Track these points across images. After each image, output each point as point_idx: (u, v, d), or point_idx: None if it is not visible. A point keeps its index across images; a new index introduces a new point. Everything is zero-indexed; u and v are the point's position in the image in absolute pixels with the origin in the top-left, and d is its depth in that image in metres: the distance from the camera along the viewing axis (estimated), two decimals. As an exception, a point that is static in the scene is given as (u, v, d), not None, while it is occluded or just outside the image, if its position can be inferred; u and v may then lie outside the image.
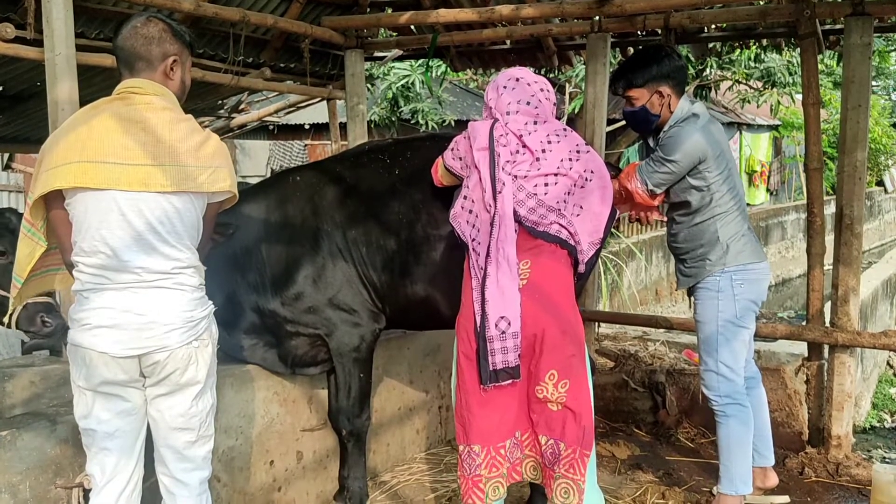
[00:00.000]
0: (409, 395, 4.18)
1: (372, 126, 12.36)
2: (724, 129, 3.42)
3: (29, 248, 2.35)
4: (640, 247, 11.30)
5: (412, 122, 13.51)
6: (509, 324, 2.68)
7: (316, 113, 12.76)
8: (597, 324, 5.06)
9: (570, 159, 2.80)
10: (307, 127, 15.87)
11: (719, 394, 3.30)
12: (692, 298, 3.42)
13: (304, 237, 3.29)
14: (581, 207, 2.82)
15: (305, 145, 16.19)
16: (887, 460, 6.58)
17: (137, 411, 2.32)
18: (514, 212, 2.72)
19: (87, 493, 2.39)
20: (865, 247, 4.99)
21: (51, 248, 2.38)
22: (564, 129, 2.88)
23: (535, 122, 2.82)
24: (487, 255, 2.71)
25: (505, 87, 2.86)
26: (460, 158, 2.90)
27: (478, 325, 2.72)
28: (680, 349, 5.18)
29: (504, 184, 2.71)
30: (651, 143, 3.43)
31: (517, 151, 2.77)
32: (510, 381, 2.73)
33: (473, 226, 2.80)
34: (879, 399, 8.50)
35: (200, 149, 2.28)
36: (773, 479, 3.55)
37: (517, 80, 2.88)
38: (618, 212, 3.13)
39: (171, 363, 2.27)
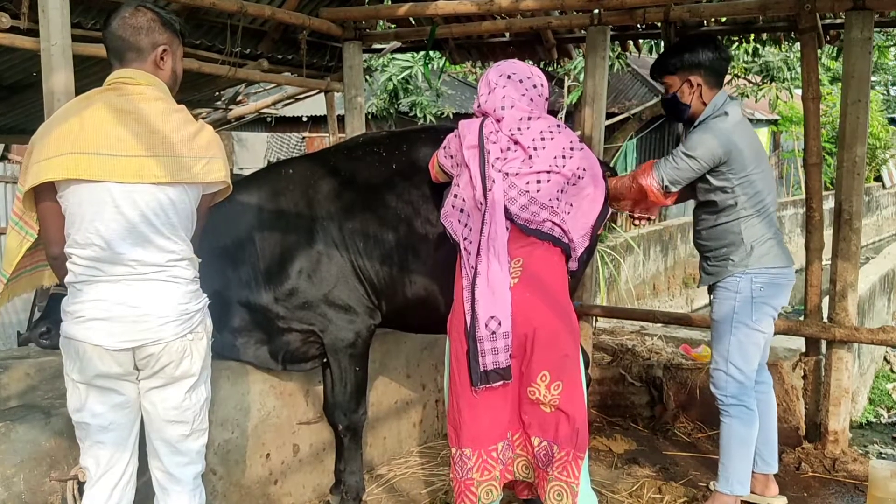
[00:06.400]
0: (406, 388, 4.17)
1: (370, 118, 12.34)
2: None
3: (17, 241, 2.32)
4: (638, 241, 11.30)
5: (410, 114, 13.50)
6: (500, 324, 2.63)
7: (314, 105, 12.75)
8: (594, 318, 5.05)
9: (564, 157, 2.75)
10: (305, 119, 15.87)
11: (726, 393, 3.28)
12: (711, 296, 3.39)
13: (299, 231, 3.23)
14: (572, 205, 2.77)
15: (303, 137, 16.17)
16: (884, 456, 6.61)
17: (131, 404, 2.31)
18: (506, 209, 2.67)
19: (81, 485, 2.38)
20: (863, 242, 4.97)
21: (40, 243, 2.36)
22: (558, 126, 2.83)
23: (529, 118, 2.77)
24: (478, 253, 2.66)
25: (497, 84, 2.81)
26: (451, 157, 2.86)
27: (468, 325, 2.67)
28: (677, 344, 5.17)
29: (494, 181, 2.67)
30: (683, 135, 3.38)
31: (508, 148, 2.72)
32: (501, 383, 2.69)
33: (465, 225, 2.75)
34: (876, 394, 8.53)
35: (194, 139, 2.27)
36: (773, 489, 3.51)
37: (508, 77, 2.81)
38: (610, 210, 3.07)
39: (166, 356, 2.26)
